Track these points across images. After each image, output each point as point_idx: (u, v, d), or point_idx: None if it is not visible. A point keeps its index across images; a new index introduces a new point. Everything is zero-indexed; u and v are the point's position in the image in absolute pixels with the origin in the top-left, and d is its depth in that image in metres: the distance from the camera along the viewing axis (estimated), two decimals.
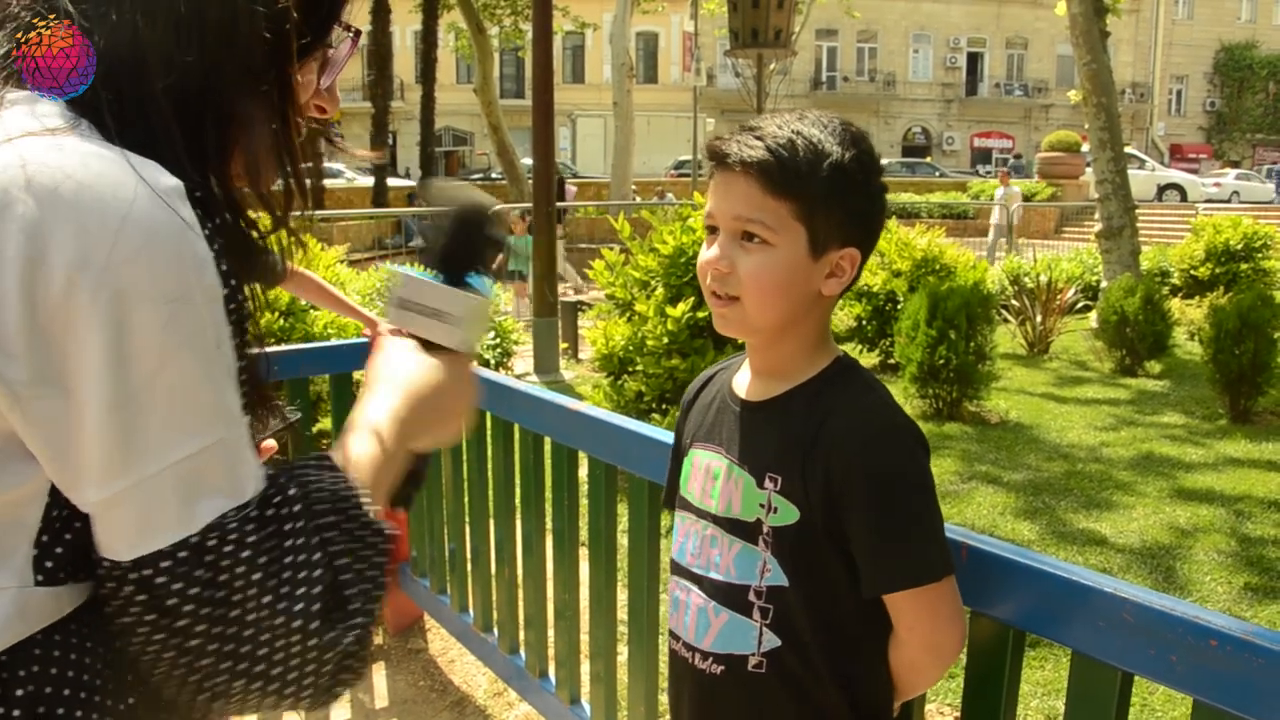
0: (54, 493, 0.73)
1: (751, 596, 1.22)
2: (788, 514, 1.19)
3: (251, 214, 0.86)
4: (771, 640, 1.22)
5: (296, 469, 0.81)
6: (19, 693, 0.73)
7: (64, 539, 0.74)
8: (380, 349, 0.98)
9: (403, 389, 0.93)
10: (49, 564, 0.74)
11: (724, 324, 1.22)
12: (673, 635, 1.34)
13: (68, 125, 0.72)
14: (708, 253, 1.20)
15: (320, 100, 0.90)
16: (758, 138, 1.15)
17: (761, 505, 1.21)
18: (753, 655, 1.23)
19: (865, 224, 1.21)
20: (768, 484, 1.20)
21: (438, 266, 1.01)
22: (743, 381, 1.31)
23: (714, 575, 1.26)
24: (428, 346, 0.98)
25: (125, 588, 0.71)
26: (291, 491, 0.77)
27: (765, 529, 1.21)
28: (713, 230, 1.20)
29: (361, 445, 0.88)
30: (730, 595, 1.24)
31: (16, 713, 0.72)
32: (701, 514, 1.29)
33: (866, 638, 1.22)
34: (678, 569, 1.33)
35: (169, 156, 0.75)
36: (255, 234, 0.85)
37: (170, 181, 0.72)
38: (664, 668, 2.30)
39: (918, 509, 1.16)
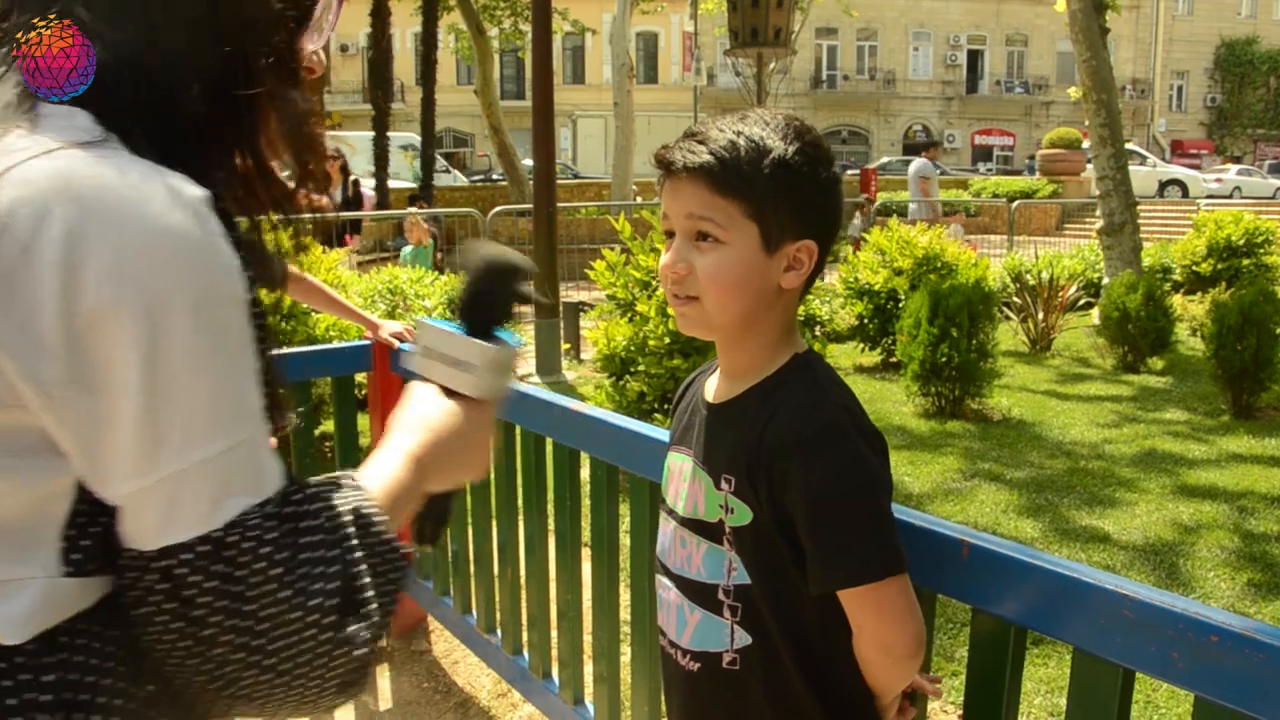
0: (80, 488, 0.76)
1: (721, 595, 1.25)
2: (742, 514, 1.21)
3: (266, 216, 0.89)
4: (743, 638, 1.24)
5: (322, 484, 0.84)
6: (47, 679, 0.75)
7: (90, 532, 0.77)
8: (406, 394, 1.04)
9: (422, 430, 0.97)
10: (76, 556, 0.77)
11: (685, 324, 1.24)
12: (660, 631, 1.37)
13: (100, 138, 0.75)
14: (665, 257, 1.22)
15: (309, 62, 0.92)
16: (700, 142, 1.17)
17: (721, 506, 1.23)
18: (726, 652, 1.25)
19: (818, 215, 1.21)
20: (723, 485, 1.22)
21: (465, 318, 1.06)
22: (713, 383, 1.33)
23: (686, 574, 1.29)
24: (450, 393, 1.03)
25: (147, 577, 0.74)
26: (312, 490, 0.80)
27: (727, 529, 1.23)
28: (670, 235, 1.22)
29: (379, 476, 0.92)
30: (701, 594, 1.27)
31: (47, 698, 0.75)
32: (673, 514, 1.32)
33: (833, 635, 1.23)
34: (660, 566, 1.36)
35: (187, 163, 0.78)
36: (269, 233, 0.88)
37: (198, 192, 0.75)
38: None
39: (857, 508, 1.15)
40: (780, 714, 1.25)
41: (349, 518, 0.82)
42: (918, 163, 14.32)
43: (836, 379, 1.24)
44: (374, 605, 0.80)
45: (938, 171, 14.93)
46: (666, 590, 1.33)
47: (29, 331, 0.70)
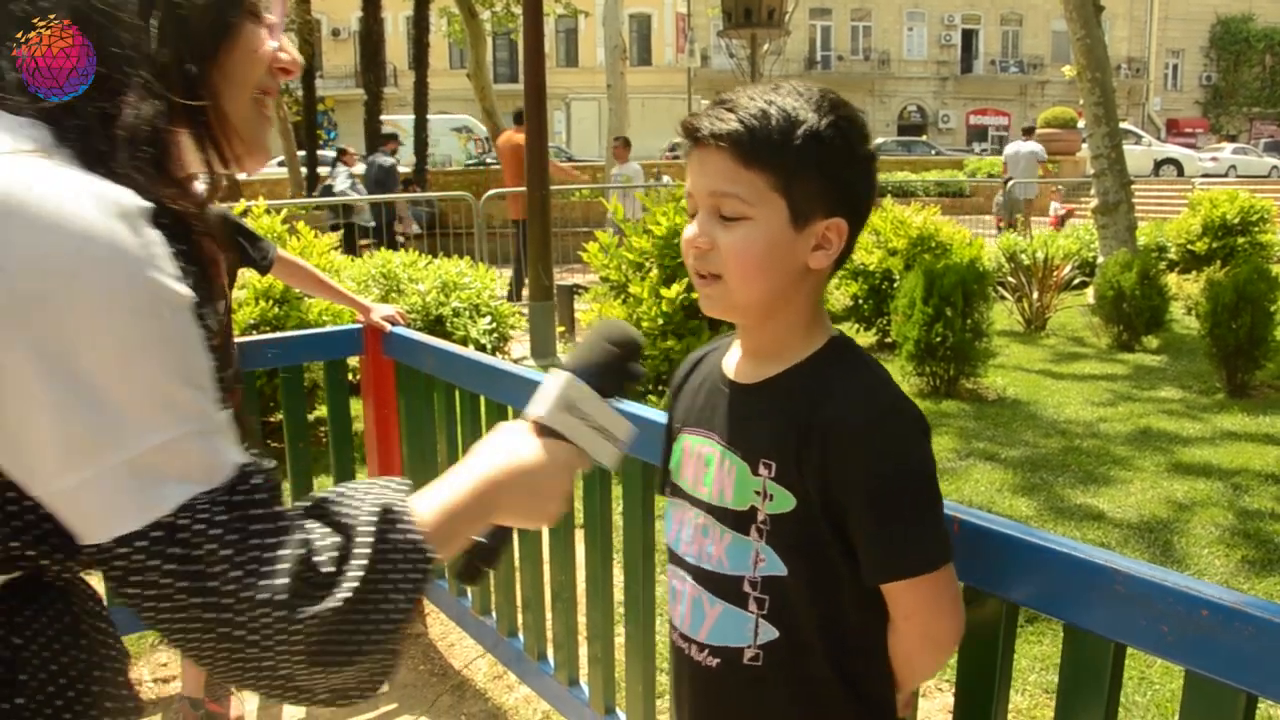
0: None
1: (746, 588, 1.19)
2: (784, 501, 1.16)
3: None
4: (769, 632, 1.19)
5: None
6: None
7: None
8: (500, 428, 1.06)
9: (510, 460, 1.01)
10: None
11: (709, 304, 1.18)
12: (671, 625, 1.31)
13: (48, 148, 0.77)
14: (688, 231, 1.16)
15: (279, 62, 0.94)
16: (729, 110, 1.12)
17: (757, 493, 1.17)
18: (748, 648, 1.20)
19: (850, 192, 1.15)
20: (762, 470, 1.17)
21: (597, 385, 1.09)
22: (733, 363, 1.26)
23: (706, 565, 1.23)
24: (546, 435, 1.05)
25: (116, 563, 0.77)
26: (257, 480, 0.82)
27: (761, 517, 1.17)
28: (694, 213, 1.17)
29: (444, 486, 0.96)
30: (723, 586, 1.21)
31: None
32: (694, 502, 1.26)
33: (867, 626, 1.19)
34: (673, 557, 1.30)
35: (135, 174, 0.80)
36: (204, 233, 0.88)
37: (136, 204, 0.77)
38: (662, 647, 2.31)
39: (917, 496, 1.12)
40: (807, 709, 1.21)
41: (374, 512, 0.86)
42: (1035, 145, 14.71)
43: (878, 363, 1.20)
44: (345, 583, 0.82)
45: None
46: (681, 582, 1.27)
47: None
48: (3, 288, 0.71)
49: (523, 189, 10.42)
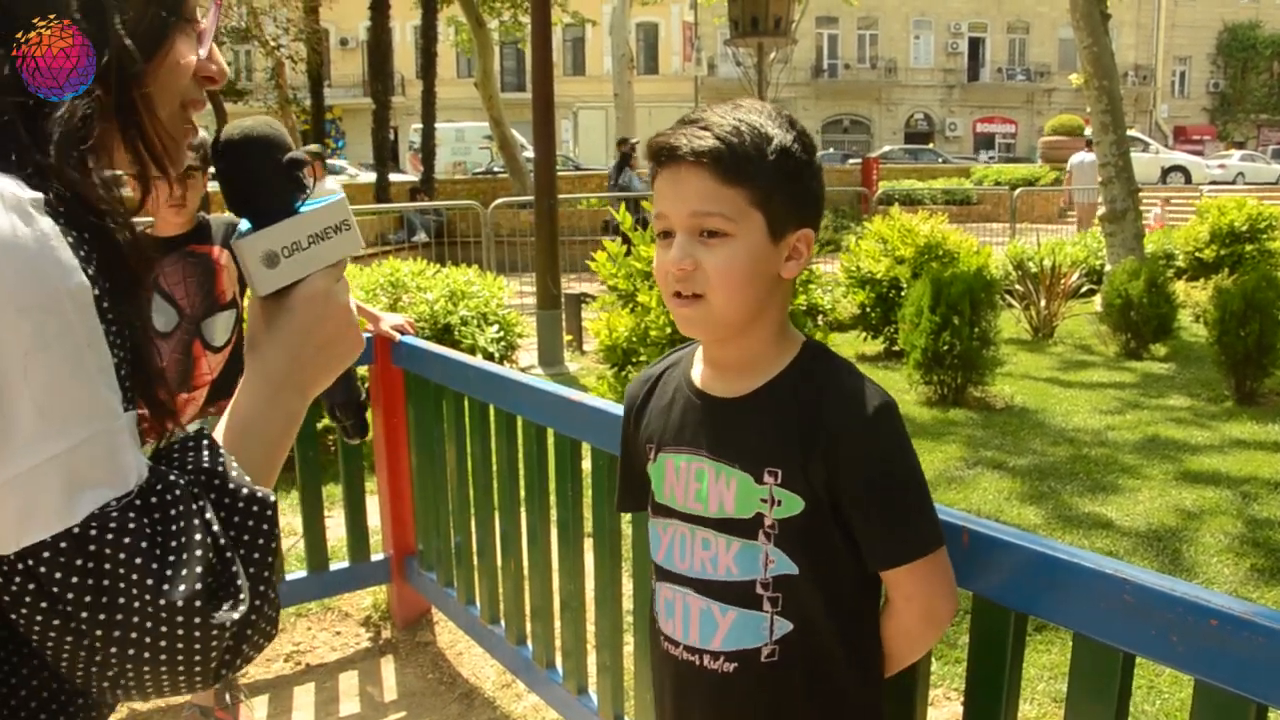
0: None
1: (758, 589, 1.23)
2: (792, 504, 1.19)
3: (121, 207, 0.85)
4: (784, 626, 1.23)
5: (174, 451, 0.84)
6: None
7: None
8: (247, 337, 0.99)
9: (256, 350, 0.95)
10: None
11: (689, 325, 1.21)
12: (669, 640, 1.31)
13: None
14: (666, 255, 1.18)
15: (205, 71, 0.92)
16: (703, 128, 1.14)
17: (763, 500, 1.20)
18: (765, 645, 1.24)
19: (815, 204, 1.22)
20: (767, 479, 1.20)
21: (246, 215, 0.95)
22: (699, 378, 1.29)
23: (712, 576, 1.25)
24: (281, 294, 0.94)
25: (16, 579, 0.73)
26: (172, 478, 0.79)
27: (768, 522, 1.21)
28: (665, 235, 1.18)
29: (235, 417, 0.91)
30: (735, 593, 1.24)
31: None
32: (689, 518, 1.27)
33: (867, 609, 1.27)
34: (666, 574, 1.31)
35: (22, 167, 0.76)
36: (125, 230, 0.84)
37: (28, 194, 0.73)
38: None
39: (914, 484, 1.19)
40: (823, 695, 1.26)
41: (203, 486, 0.81)
42: (1094, 155, 14.80)
43: (851, 363, 1.27)
44: (242, 579, 0.80)
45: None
46: (681, 597, 1.28)
47: None
48: None
49: None
